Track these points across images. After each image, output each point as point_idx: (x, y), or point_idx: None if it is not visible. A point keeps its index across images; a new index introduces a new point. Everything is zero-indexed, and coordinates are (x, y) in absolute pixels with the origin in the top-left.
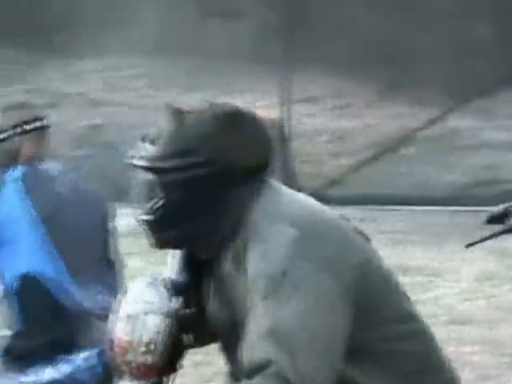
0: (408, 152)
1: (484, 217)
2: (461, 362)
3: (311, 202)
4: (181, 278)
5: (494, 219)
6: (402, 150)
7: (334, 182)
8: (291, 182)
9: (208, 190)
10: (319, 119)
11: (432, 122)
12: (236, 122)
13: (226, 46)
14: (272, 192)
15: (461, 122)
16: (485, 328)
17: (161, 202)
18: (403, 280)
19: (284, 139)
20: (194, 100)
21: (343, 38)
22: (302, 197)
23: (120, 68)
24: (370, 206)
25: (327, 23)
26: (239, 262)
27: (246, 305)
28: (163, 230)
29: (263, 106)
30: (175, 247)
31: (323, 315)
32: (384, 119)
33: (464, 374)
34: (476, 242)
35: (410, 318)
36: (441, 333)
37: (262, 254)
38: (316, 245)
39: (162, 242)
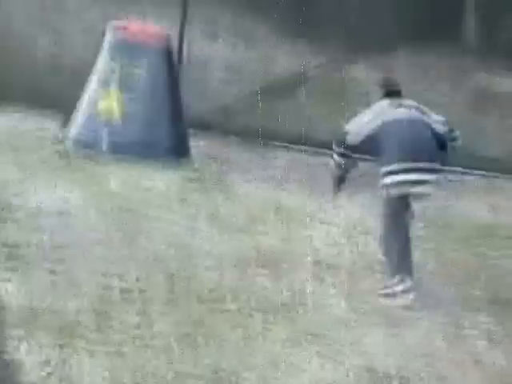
0: (301, 92)
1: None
2: (317, 306)
3: None
4: None
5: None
6: (296, 89)
7: (222, 111)
8: (180, 106)
9: None
10: (215, 47)
11: (326, 68)
12: None
13: None
14: None
15: (358, 73)
16: (346, 275)
17: None
18: (279, 218)
19: (178, 64)
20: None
21: None
22: None
23: None
24: (254, 140)
25: None
26: None
27: None
28: None
29: (160, 30)
30: None
31: None
32: (281, 56)
33: (320, 321)
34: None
35: None
36: (304, 275)
37: None
38: None
39: None
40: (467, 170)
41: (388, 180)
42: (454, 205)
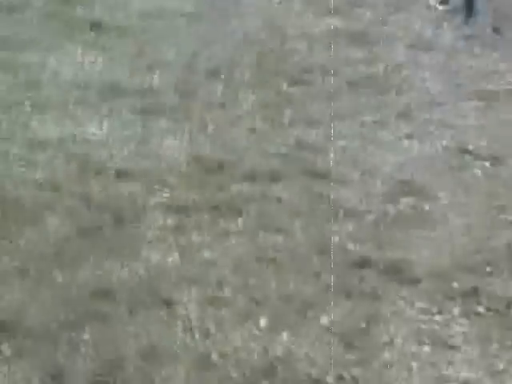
0: None
1: None
2: (410, 87)
3: None
4: None
5: None
6: None
7: None
8: None
9: None
10: None
11: None
12: None
13: None
14: None
15: None
16: (443, 56)
17: None
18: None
19: None
20: None
21: None
22: None
23: None
24: None
25: None
26: None
27: None
28: None
29: None
30: None
31: None
32: None
33: (411, 102)
34: None
35: None
36: (399, 56)
37: None
38: None
39: None
40: None
41: None
42: None
